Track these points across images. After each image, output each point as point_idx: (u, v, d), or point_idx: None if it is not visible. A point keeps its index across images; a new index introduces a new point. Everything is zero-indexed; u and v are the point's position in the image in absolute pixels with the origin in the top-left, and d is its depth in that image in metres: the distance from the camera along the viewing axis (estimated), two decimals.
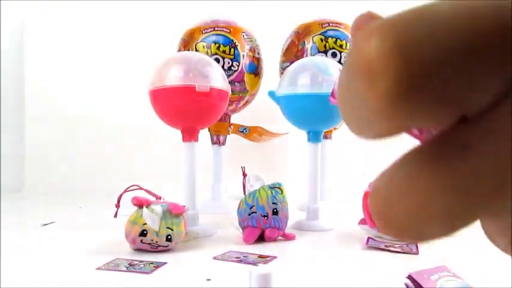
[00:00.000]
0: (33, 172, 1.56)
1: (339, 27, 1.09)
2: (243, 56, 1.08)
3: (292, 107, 0.86)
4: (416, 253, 0.69)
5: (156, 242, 0.68)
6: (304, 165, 0.93)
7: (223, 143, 1.17)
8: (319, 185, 0.92)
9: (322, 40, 1.07)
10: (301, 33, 1.10)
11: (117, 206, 0.76)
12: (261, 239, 0.76)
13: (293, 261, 0.68)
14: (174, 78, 0.78)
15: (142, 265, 0.62)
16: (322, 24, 1.09)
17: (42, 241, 0.79)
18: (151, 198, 0.73)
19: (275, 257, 0.67)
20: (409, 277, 0.49)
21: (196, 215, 0.84)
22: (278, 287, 0.50)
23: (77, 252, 0.70)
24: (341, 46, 1.07)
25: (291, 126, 0.92)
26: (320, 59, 0.90)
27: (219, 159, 1.16)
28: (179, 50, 1.12)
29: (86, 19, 1.62)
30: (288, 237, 0.78)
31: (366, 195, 0.80)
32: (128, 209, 0.71)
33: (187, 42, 1.09)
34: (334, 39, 1.07)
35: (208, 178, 1.17)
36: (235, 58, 1.07)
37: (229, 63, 1.06)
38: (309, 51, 1.08)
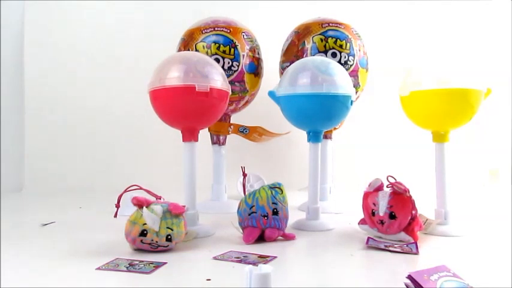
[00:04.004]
0: (33, 172, 1.56)
1: (339, 27, 1.09)
2: (243, 56, 1.08)
3: (292, 107, 0.86)
4: (416, 253, 0.69)
5: (156, 242, 0.68)
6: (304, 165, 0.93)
7: (223, 143, 1.16)
8: (319, 185, 0.91)
9: (322, 40, 1.07)
10: (301, 33, 1.10)
11: (117, 206, 0.76)
12: (261, 239, 0.76)
13: (293, 261, 0.68)
14: (174, 78, 0.78)
15: (142, 265, 0.62)
16: (322, 24, 1.09)
17: (42, 241, 0.79)
18: (152, 198, 0.73)
19: (275, 257, 0.67)
20: (409, 277, 0.49)
21: (196, 215, 0.84)
22: (278, 287, 0.50)
23: (77, 252, 0.70)
24: (341, 46, 1.07)
25: (291, 126, 0.92)
26: (320, 59, 0.90)
27: (219, 159, 1.16)
28: (179, 50, 1.12)
29: (86, 19, 1.62)
30: (288, 237, 0.78)
31: (366, 195, 0.80)
32: (129, 209, 0.71)
33: (187, 42, 1.09)
34: (334, 39, 1.07)
35: (208, 178, 1.17)
36: (235, 58, 1.07)
37: (229, 63, 1.06)
38: (309, 51, 1.08)
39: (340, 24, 1.09)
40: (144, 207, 0.69)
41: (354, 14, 1.35)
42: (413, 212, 0.75)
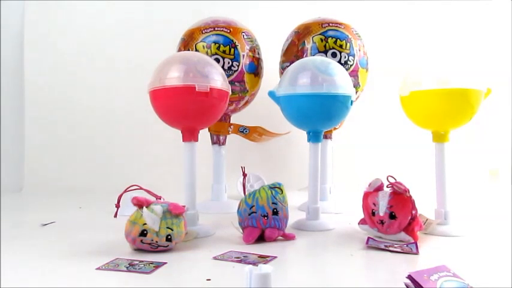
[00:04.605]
0: (33, 172, 1.56)
1: (339, 27, 1.09)
2: (243, 56, 1.08)
3: (292, 107, 0.86)
4: (416, 253, 0.69)
5: (156, 242, 0.68)
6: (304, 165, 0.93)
7: (223, 143, 1.16)
8: (319, 185, 0.91)
9: (322, 40, 1.07)
10: (301, 33, 1.10)
11: (117, 206, 0.76)
12: (261, 239, 0.76)
13: (293, 261, 0.68)
14: (174, 78, 0.78)
15: (142, 265, 0.62)
16: (322, 24, 1.09)
17: (42, 241, 0.79)
18: (152, 198, 0.73)
19: (275, 257, 0.67)
20: (409, 277, 0.49)
21: (196, 215, 0.84)
22: (278, 287, 0.50)
23: (77, 252, 0.70)
24: (341, 46, 1.07)
25: (291, 126, 0.92)
26: (320, 59, 0.90)
27: (219, 159, 1.16)
28: (179, 50, 1.12)
29: (86, 19, 1.62)
30: (288, 237, 0.78)
31: (365, 195, 0.80)
32: (129, 209, 0.71)
33: (187, 42, 1.09)
34: (334, 39, 1.07)
35: (208, 178, 1.17)
36: (235, 58, 1.07)
37: (229, 63, 1.06)
38: (309, 51, 1.08)
39: (340, 24, 1.09)
40: (144, 207, 0.69)
41: (354, 14, 1.35)
42: (413, 212, 0.75)
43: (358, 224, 0.82)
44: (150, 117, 0.89)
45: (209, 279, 0.56)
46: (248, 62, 1.09)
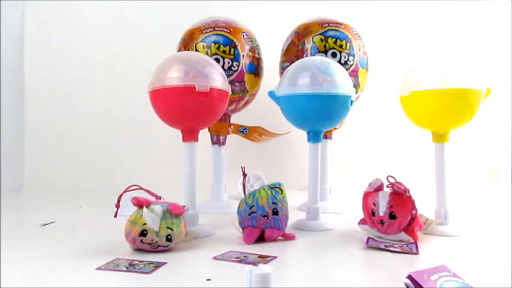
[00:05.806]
0: (33, 172, 1.56)
1: (339, 27, 1.09)
2: (243, 56, 1.08)
3: (292, 107, 0.86)
4: (416, 253, 0.69)
5: (156, 242, 0.68)
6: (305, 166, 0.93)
7: (223, 143, 1.16)
8: (319, 185, 0.91)
9: (322, 40, 1.07)
10: (301, 33, 1.10)
11: (117, 206, 0.76)
12: (261, 239, 0.76)
13: (293, 261, 0.68)
14: (174, 78, 0.78)
15: (142, 265, 0.62)
16: (322, 24, 1.09)
17: (42, 241, 0.79)
18: (152, 198, 0.73)
19: (275, 257, 0.67)
20: (409, 277, 0.49)
21: (196, 215, 0.84)
22: (278, 287, 0.50)
23: (77, 252, 0.70)
24: (341, 46, 1.07)
25: (291, 126, 0.92)
26: (320, 59, 0.90)
27: (219, 159, 1.16)
28: (179, 50, 1.12)
29: (86, 19, 1.62)
30: (288, 237, 0.78)
31: (365, 195, 0.80)
32: (129, 209, 0.71)
33: (187, 42, 1.09)
34: (334, 39, 1.07)
35: (208, 178, 1.17)
36: (235, 58, 1.07)
37: (229, 63, 1.06)
38: (309, 51, 1.08)
39: (340, 24, 1.09)
40: (144, 207, 0.69)
41: (354, 14, 1.35)
42: (413, 212, 0.75)
43: (358, 224, 0.82)
44: (150, 117, 0.89)
45: (209, 279, 0.56)
46: (248, 62, 1.09)
